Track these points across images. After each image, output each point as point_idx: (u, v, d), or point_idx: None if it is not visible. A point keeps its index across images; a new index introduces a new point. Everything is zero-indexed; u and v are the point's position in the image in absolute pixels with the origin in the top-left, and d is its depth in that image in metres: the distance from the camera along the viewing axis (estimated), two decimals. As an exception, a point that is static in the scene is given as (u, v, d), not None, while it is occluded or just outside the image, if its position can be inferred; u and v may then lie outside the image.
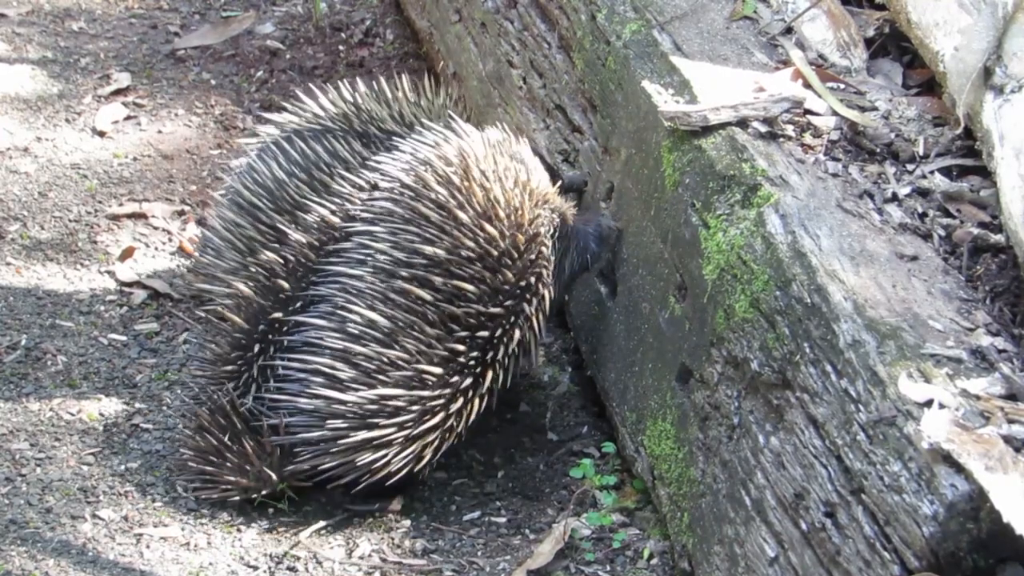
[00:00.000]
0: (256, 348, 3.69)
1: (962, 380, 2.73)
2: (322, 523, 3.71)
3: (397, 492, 3.79)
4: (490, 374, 3.65)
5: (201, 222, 4.68)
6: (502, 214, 3.64)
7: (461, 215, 3.61)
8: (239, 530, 3.68)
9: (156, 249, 4.70)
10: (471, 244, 3.60)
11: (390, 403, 3.56)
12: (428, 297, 3.57)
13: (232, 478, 3.68)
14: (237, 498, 3.71)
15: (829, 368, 2.87)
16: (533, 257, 3.69)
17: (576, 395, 4.20)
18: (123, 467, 3.85)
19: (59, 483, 3.76)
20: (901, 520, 2.62)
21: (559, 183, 3.89)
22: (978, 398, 2.69)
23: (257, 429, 3.67)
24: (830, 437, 2.84)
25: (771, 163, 3.32)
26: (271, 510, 3.75)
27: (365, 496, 3.74)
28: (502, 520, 3.78)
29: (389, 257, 3.62)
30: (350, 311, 3.59)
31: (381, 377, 3.55)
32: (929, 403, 2.67)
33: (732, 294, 3.20)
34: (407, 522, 3.76)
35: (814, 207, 3.18)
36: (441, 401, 3.60)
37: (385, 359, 3.55)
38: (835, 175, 3.36)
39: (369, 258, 3.63)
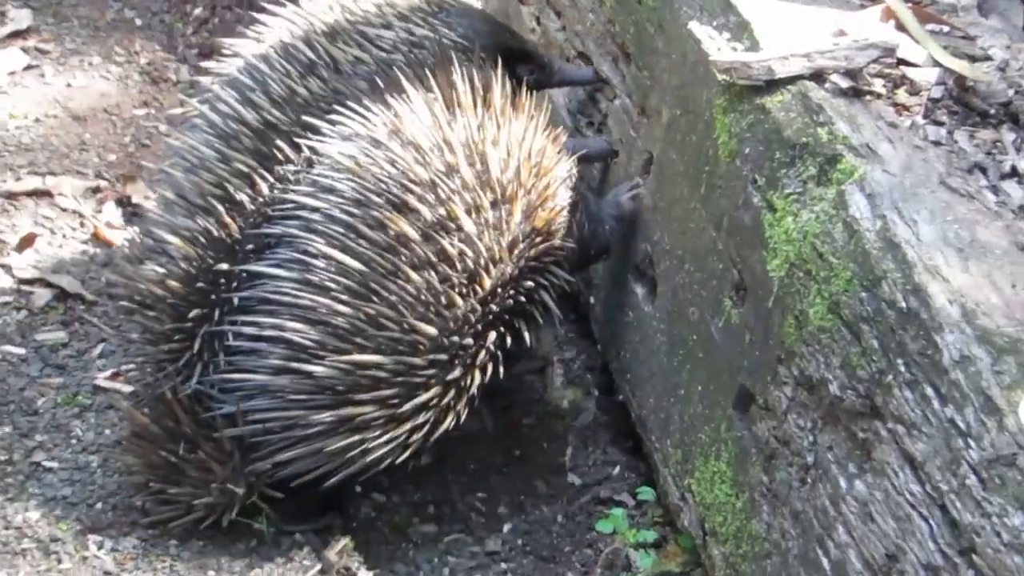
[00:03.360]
0: (196, 313, 3.63)
1: (1102, 408, 2.73)
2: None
3: (332, 508, 3.81)
4: (492, 335, 3.63)
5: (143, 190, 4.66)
6: (500, 133, 3.65)
7: (451, 133, 3.58)
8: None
9: (64, 236, 4.71)
10: (467, 169, 3.58)
11: (369, 372, 3.53)
12: (413, 233, 3.53)
13: (196, 495, 3.68)
14: (208, 519, 3.71)
15: (930, 392, 2.87)
16: (542, 188, 3.69)
17: (604, 426, 4.22)
18: (20, 518, 3.85)
19: (-70, 545, 3.77)
20: (1023, 589, 2.63)
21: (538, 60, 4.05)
22: (1123, 431, 2.69)
23: (210, 423, 3.64)
24: (932, 481, 2.84)
25: (855, 128, 3.32)
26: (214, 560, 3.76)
27: (299, 515, 3.76)
28: (509, 587, 3.81)
29: (363, 182, 3.56)
30: (314, 255, 3.55)
31: (358, 340, 3.53)
32: (1060, 438, 2.67)
33: (805, 296, 3.20)
34: (386, 589, 3.78)
35: (910, 185, 3.18)
36: (434, 371, 3.58)
37: (362, 316, 3.52)
38: (937, 143, 3.36)
39: (338, 184, 3.58)
